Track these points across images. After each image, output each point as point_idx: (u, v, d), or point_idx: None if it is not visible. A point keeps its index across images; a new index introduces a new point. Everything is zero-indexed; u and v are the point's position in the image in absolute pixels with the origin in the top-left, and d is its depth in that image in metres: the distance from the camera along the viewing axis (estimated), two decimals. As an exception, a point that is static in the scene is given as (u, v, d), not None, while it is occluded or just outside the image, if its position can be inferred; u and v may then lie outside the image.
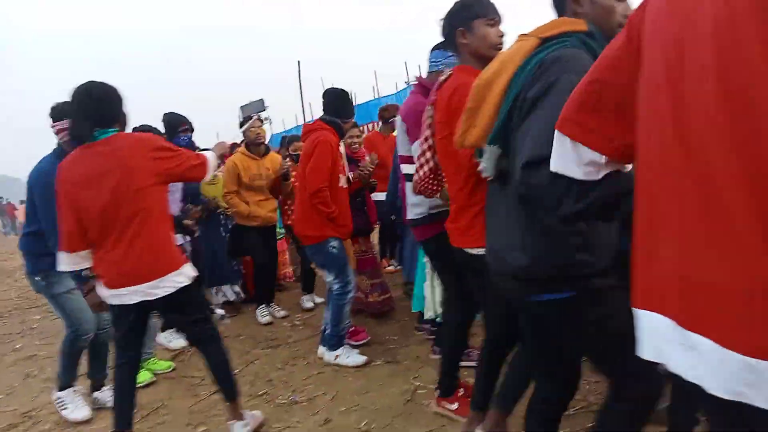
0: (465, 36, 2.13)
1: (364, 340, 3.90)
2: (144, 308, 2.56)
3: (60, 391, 3.25)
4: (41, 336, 5.15)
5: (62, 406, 3.22)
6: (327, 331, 3.67)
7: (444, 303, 2.98)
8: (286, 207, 5.06)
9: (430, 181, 2.31)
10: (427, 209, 2.63)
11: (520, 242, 1.53)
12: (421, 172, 2.31)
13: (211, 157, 2.75)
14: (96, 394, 3.35)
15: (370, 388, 3.23)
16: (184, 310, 2.62)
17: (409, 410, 2.89)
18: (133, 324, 2.60)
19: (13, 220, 28.41)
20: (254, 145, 4.70)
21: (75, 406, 3.21)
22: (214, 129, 26.22)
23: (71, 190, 2.45)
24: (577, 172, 1.12)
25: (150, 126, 4.08)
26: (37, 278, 3.11)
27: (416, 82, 2.83)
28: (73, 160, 2.48)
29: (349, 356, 3.59)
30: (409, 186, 2.68)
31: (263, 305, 4.85)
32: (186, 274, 2.57)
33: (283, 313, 4.91)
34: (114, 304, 2.54)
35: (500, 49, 2.12)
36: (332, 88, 3.79)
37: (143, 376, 3.55)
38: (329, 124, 3.60)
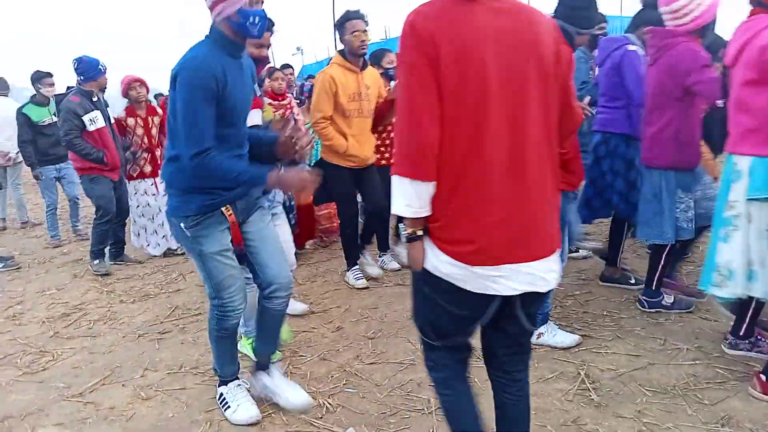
0: None
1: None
2: (507, 303, 1.52)
3: (221, 386, 2.49)
4: (85, 243, 5.63)
5: (223, 404, 2.45)
6: None
7: None
8: (380, 143, 4.10)
9: None
10: None
11: None
12: None
13: None
14: (261, 375, 2.49)
15: (379, 304, 3.59)
16: (535, 317, 1.66)
17: (412, 324, 3.22)
18: (488, 323, 1.58)
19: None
20: (355, 56, 3.67)
21: (238, 404, 2.41)
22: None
23: (453, 58, 1.34)
24: None
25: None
26: (181, 224, 2.17)
27: None
28: (450, 15, 1.37)
29: (555, 334, 2.93)
30: None
31: (355, 267, 4.01)
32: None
33: (377, 272, 4.09)
34: (472, 291, 1.46)
35: None
36: None
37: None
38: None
